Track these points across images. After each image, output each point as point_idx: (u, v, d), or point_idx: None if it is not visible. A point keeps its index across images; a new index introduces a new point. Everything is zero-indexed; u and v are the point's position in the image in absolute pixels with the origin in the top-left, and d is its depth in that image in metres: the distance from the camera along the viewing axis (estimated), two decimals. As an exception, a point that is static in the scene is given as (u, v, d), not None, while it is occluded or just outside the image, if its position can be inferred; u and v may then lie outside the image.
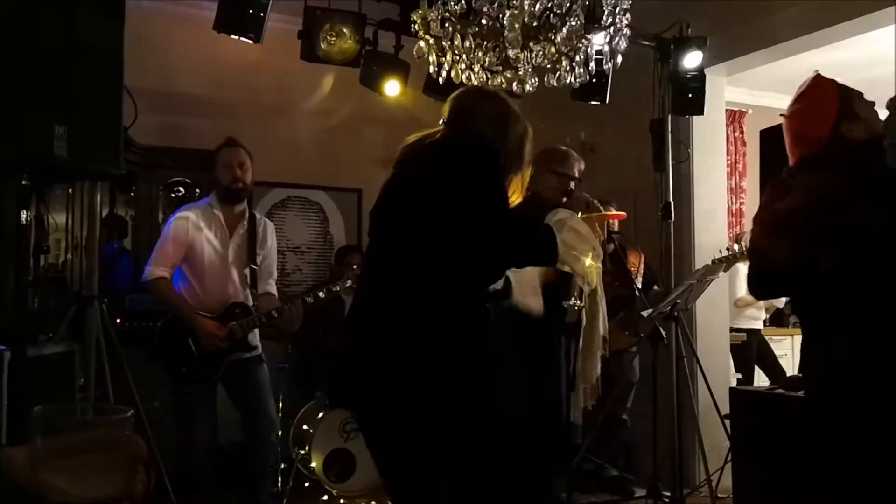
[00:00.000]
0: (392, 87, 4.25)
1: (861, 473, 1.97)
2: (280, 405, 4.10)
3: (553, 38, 2.84)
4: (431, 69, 3.10)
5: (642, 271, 4.63)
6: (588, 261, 1.92)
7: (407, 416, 1.85)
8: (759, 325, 6.11)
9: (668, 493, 4.01)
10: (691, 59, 4.35)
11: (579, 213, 2.04)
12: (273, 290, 3.70)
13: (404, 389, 1.84)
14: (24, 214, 2.38)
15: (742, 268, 5.82)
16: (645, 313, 4.00)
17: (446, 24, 2.89)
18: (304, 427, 4.25)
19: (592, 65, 2.96)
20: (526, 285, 2.24)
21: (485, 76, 3.02)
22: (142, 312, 4.15)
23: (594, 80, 3.80)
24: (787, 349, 6.38)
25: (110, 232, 4.73)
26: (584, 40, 2.86)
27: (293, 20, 3.98)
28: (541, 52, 2.88)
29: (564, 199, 3.50)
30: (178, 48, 5.11)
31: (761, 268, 2.18)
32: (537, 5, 2.76)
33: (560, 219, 1.96)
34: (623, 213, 3.71)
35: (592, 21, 2.85)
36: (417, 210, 1.93)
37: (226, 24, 3.56)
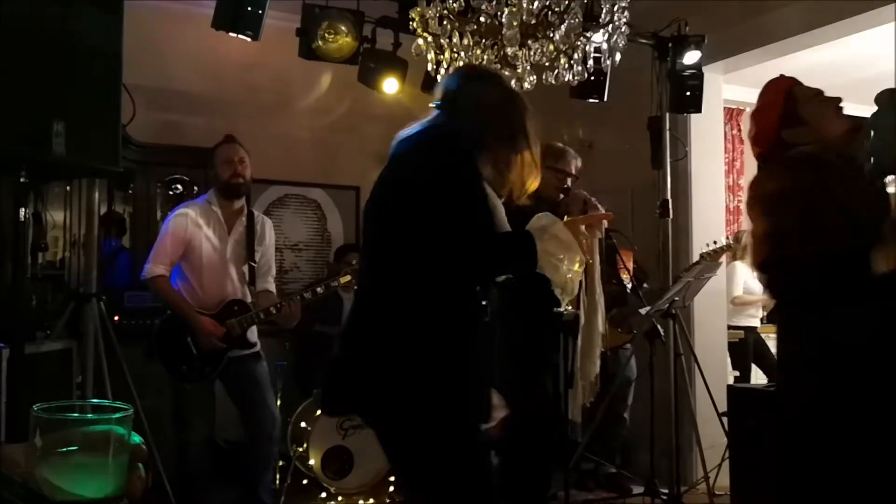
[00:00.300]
0: (390, 85, 4.25)
1: (849, 469, 2.00)
2: (278, 402, 4.10)
3: (551, 35, 2.84)
4: (430, 67, 3.09)
5: (632, 269, 4.62)
6: (568, 268, 1.88)
7: (402, 419, 1.86)
8: (756, 322, 6.10)
9: (666, 491, 4.02)
10: (689, 57, 4.36)
11: (565, 217, 2.01)
12: (272, 287, 3.71)
13: (394, 393, 1.85)
14: (22, 211, 2.38)
15: (739, 266, 5.85)
16: (643, 310, 4.00)
17: (444, 22, 2.89)
18: (302, 424, 4.26)
19: (591, 63, 2.97)
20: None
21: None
22: (140, 310, 4.15)
23: (592, 78, 3.81)
24: (785, 347, 6.37)
25: (108, 229, 4.73)
26: (582, 38, 2.86)
27: (291, 17, 3.98)
28: (539, 50, 2.88)
29: (561, 196, 3.51)
30: (176, 46, 5.10)
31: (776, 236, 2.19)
32: (536, 3, 2.76)
33: (542, 225, 1.94)
34: (610, 213, 3.72)
35: (591, 19, 2.85)
36: (396, 214, 1.91)
37: (224, 21, 3.56)
